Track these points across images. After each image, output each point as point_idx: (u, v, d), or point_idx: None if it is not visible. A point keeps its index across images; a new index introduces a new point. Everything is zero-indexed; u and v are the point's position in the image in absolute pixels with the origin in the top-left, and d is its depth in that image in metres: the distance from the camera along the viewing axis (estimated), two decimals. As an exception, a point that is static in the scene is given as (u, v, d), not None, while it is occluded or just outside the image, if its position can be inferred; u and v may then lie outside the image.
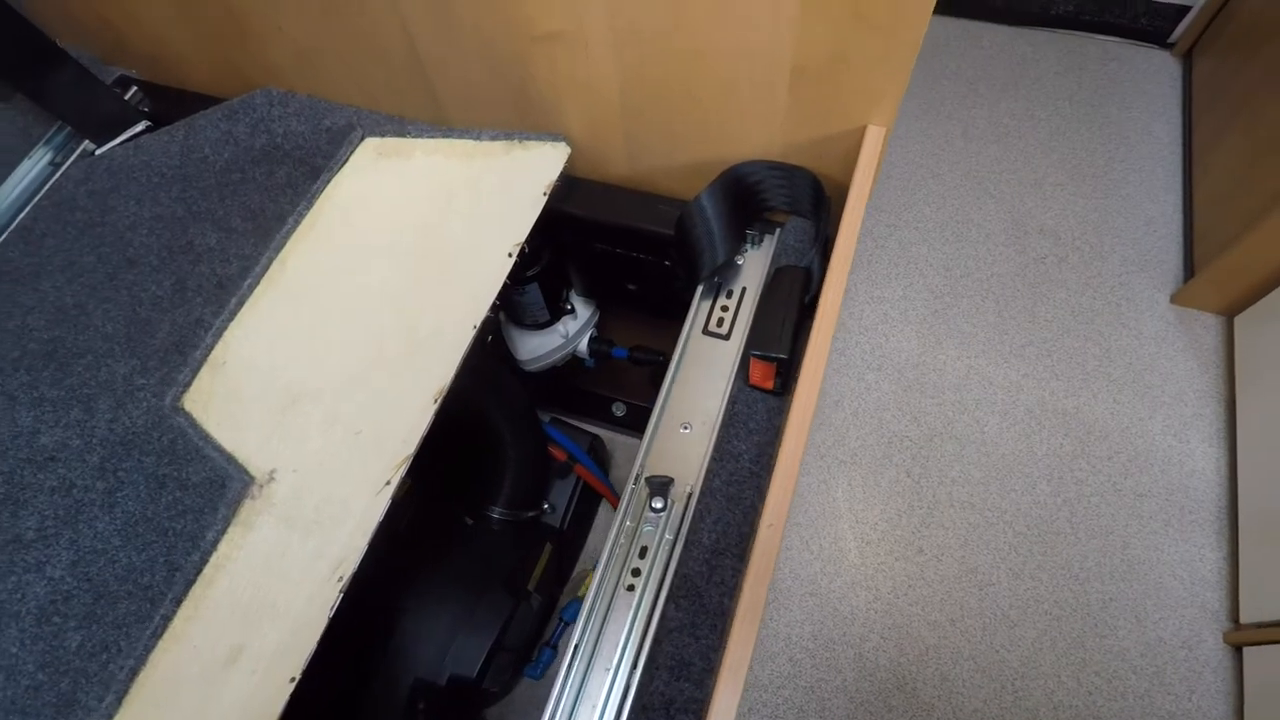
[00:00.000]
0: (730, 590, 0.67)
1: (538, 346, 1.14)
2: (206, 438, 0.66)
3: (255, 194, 0.92)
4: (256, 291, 0.71)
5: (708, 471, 0.74)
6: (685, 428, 0.77)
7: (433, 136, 0.81)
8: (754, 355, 0.73)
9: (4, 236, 0.95)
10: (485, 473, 1.16)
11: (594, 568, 0.70)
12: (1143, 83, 1.85)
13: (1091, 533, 1.40)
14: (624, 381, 1.50)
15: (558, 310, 1.11)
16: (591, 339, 1.19)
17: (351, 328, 0.74)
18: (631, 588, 0.70)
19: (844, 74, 0.71)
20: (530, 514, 1.20)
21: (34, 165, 1.00)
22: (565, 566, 1.32)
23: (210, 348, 0.69)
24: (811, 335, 0.70)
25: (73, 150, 1.02)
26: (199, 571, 0.62)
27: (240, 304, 0.70)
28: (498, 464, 1.16)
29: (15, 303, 0.89)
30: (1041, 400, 1.53)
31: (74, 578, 0.73)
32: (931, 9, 0.63)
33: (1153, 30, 1.89)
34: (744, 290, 0.84)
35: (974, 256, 1.69)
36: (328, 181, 0.76)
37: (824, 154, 0.81)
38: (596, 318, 1.18)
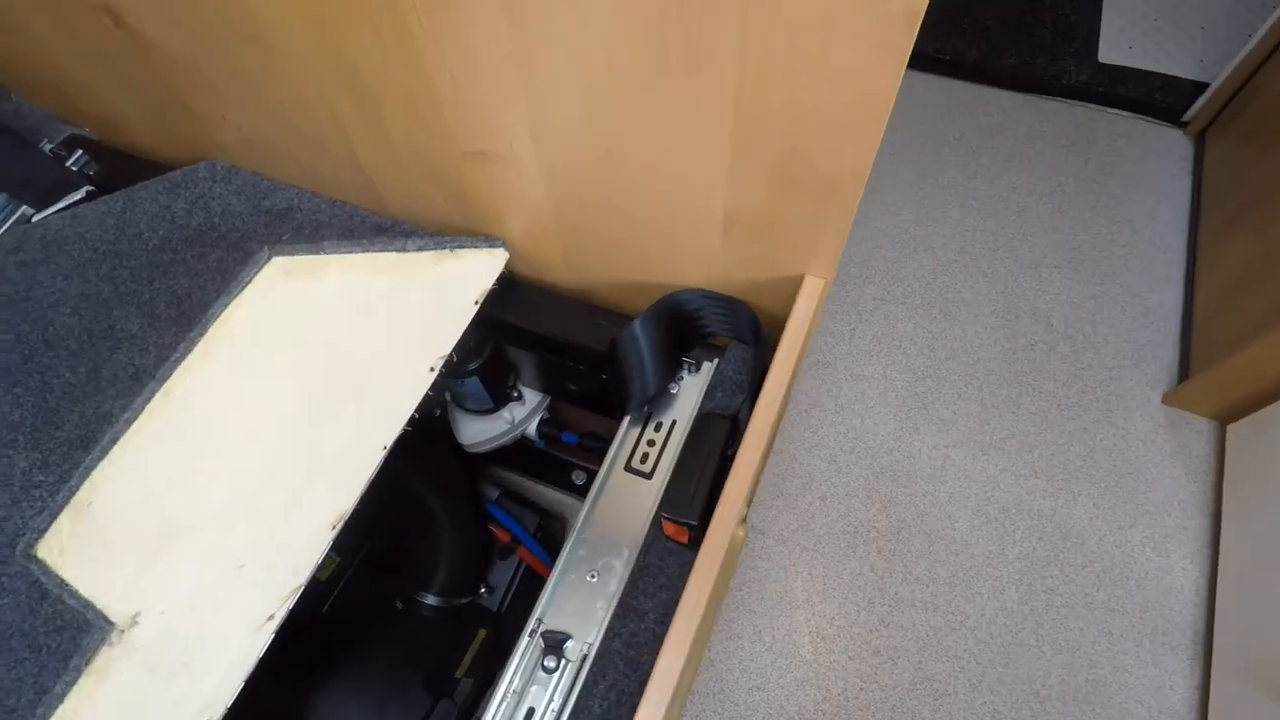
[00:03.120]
0: (617, 768, 0.63)
1: (482, 431, 1.10)
2: (63, 585, 0.63)
3: (184, 278, 0.89)
4: (135, 426, 0.68)
5: (608, 630, 0.70)
6: (592, 575, 0.73)
7: (351, 252, 0.77)
8: (664, 517, 0.68)
9: (-73, 305, 0.92)
10: (419, 557, 1.13)
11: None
12: (1152, 162, 1.78)
13: (1057, 648, 1.34)
14: (581, 453, 1.45)
15: (503, 397, 1.07)
16: (542, 422, 1.15)
17: (242, 456, 0.70)
18: (514, 757, 0.66)
19: (777, 229, 0.66)
20: (465, 599, 1.16)
21: (-31, 227, 0.98)
22: (505, 643, 1.27)
23: (75, 489, 0.66)
24: (721, 500, 0.66)
25: (10, 213, 0.99)
26: (46, 728, 0.59)
27: (113, 441, 0.67)
28: (433, 549, 1.13)
29: (-75, 380, 0.86)
30: (1018, 498, 1.47)
31: (-58, 697, 0.70)
32: (865, 179, 0.58)
33: (1166, 107, 1.81)
34: (674, 423, 0.80)
35: (961, 338, 1.63)
36: (225, 305, 0.73)
37: (763, 292, 0.76)
38: (547, 401, 1.14)
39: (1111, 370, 1.58)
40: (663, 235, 0.73)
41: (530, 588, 1.32)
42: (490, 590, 1.23)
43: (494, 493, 1.30)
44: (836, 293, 1.67)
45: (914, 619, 1.39)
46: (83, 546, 0.65)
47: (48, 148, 1.06)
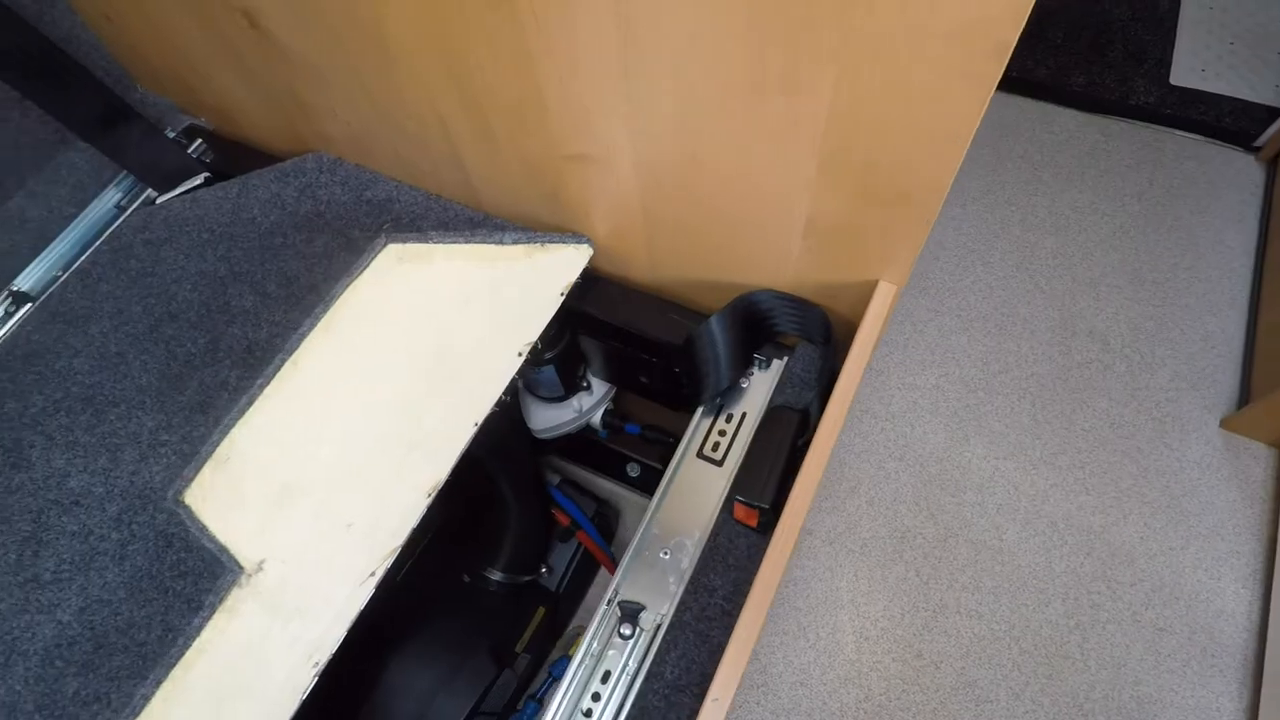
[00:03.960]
0: (684, 730, 0.68)
1: (551, 418, 1.17)
2: (204, 530, 0.70)
3: (293, 260, 0.97)
4: (267, 391, 0.75)
5: (680, 603, 0.75)
6: (665, 553, 0.78)
7: (454, 241, 0.84)
8: (738, 500, 0.73)
9: (66, 276, 1.02)
10: (487, 534, 1.19)
11: (555, 692, 0.72)
12: (1220, 186, 1.77)
13: (1103, 663, 1.35)
14: (640, 445, 1.51)
15: (573, 386, 1.13)
16: (606, 412, 1.21)
17: (354, 424, 0.77)
18: (589, 713, 0.72)
19: (855, 236, 0.71)
20: (528, 578, 1.23)
21: (102, 206, 1.08)
22: (559, 624, 1.34)
23: (216, 444, 0.73)
24: (795, 486, 0.71)
25: (137, 195, 1.09)
26: (181, 656, 0.66)
27: (250, 403, 0.74)
28: (500, 528, 1.19)
29: (65, 344, 0.95)
30: (1068, 513, 1.48)
31: (79, 624, 0.78)
32: (945, 194, 0.62)
33: (1237, 131, 1.80)
34: (744, 415, 0.84)
35: (1015, 352, 1.64)
36: (347, 285, 0.80)
37: (836, 295, 0.81)
38: (612, 393, 1.20)
39: (1168, 392, 1.58)
40: (743, 238, 0.78)
41: (587, 571, 1.38)
42: (550, 571, 1.29)
43: (555, 479, 1.37)
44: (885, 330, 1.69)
45: (958, 625, 1.41)
46: (221, 496, 0.72)
47: (170, 135, 1.16)
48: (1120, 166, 1.84)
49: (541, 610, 1.22)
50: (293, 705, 0.70)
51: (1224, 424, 1.53)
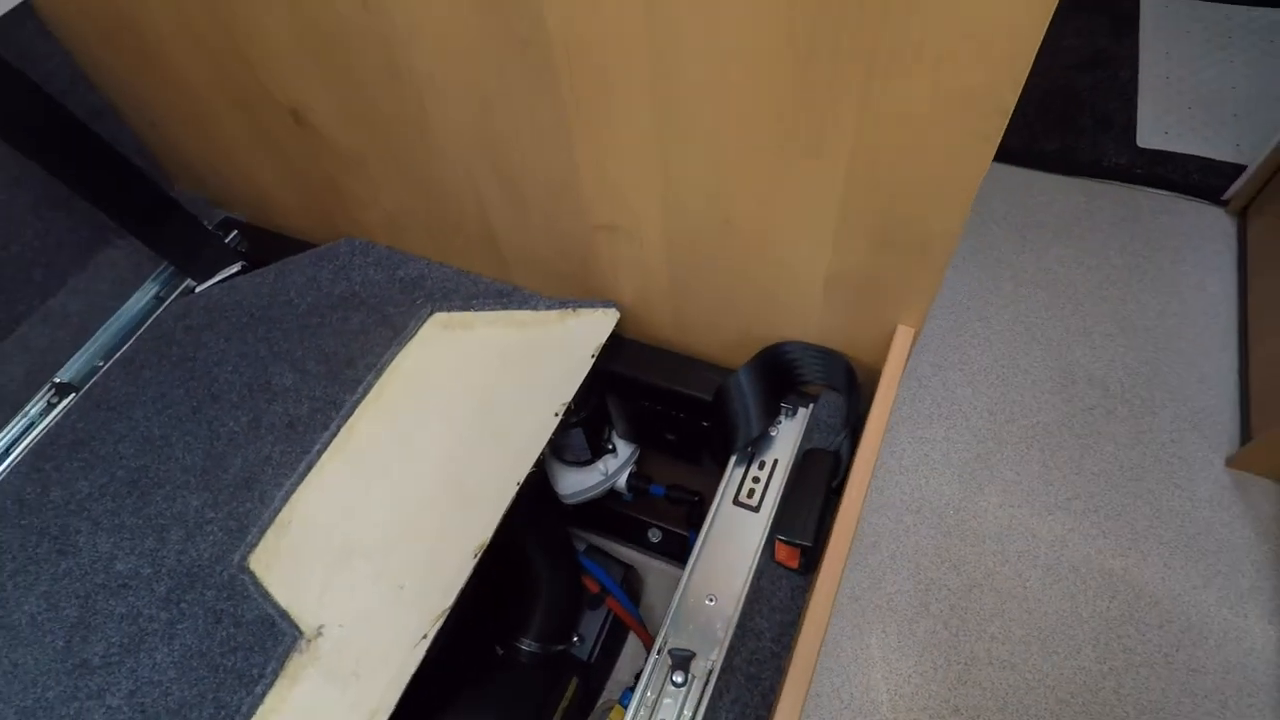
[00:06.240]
0: (744, 778, 0.68)
1: (578, 482, 1.19)
2: (266, 596, 0.72)
3: (330, 338, 1.01)
4: (325, 456, 0.78)
5: (729, 649, 0.76)
6: (710, 599, 0.80)
7: (494, 309, 0.88)
8: (779, 539, 0.76)
9: (109, 365, 1.05)
10: (518, 603, 1.19)
11: (626, 692, 0.72)
12: (1195, 238, 1.86)
13: (1141, 708, 1.34)
14: (661, 509, 1.52)
15: (599, 449, 1.16)
16: (631, 475, 1.23)
17: (405, 486, 0.80)
18: (649, 765, 0.72)
19: (875, 285, 0.76)
20: (560, 647, 1.22)
21: (142, 298, 1.13)
22: (590, 696, 1.32)
23: (277, 510, 0.75)
24: (835, 523, 0.73)
25: (176, 285, 1.14)
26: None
27: (309, 468, 0.77)
28: (531, 596, 1.19)
29: (109, 430, 0.98)
30: (1088, 557, 1.49)
31: (130, 708, 0.78)
32: (957, 240, 0.68)
33: (1205, 186, 1.91)
34: (775, 462, 0.88)
35: (1019, 402, 1.69)
36: (396, 353, 0.84)
37: (857, 341, 0.85)
38: (636, 455, 1.23)
39: (1171, 434, 1.62)
40: (769, 294, 0.84)
41: (616, 640, 1.37)
42: (581, 640, 1.29)
43: (580, 546, 1.38)
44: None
45: (991, 677, 1.40)
46: (283, 562, 0.74)
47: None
48: (1100, 223, 1.93)
49: (574, 681, 1.21)
50: (350, 773, 0.70)
51: (1230, 462, 1.56)
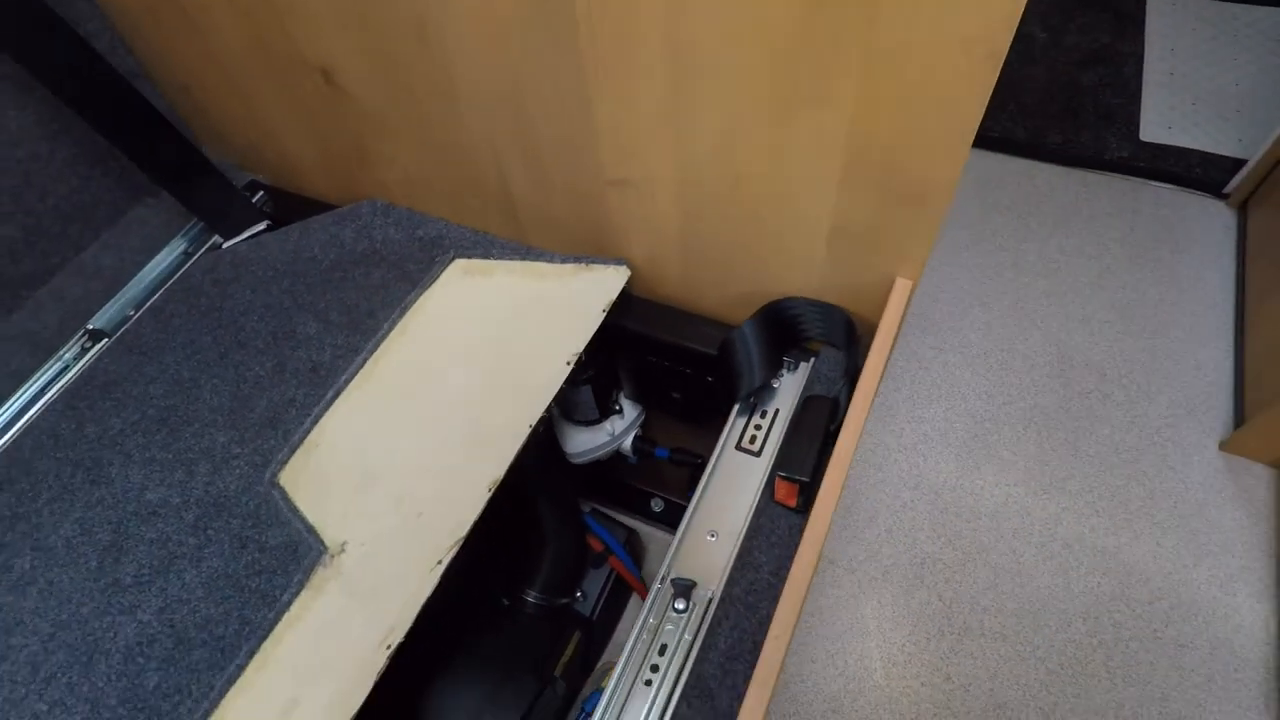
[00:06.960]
0: (740, 695, 0.72)
1: (586, 441, 1.23)
2: (295, 510, 0.76)
3: (352, 292, 1.05)
4: (351, 385, 0.82)
5: (729, 579, 0.80)
6: (712, 535, 0.84)
7: (512, 259, 0.93)
8: (780, 475, 0.80)
9: (139, 314, 1.10)
10: (525, 556, 1.23)
11: (618, 660, 0.76)
12: (1195, 230, 1.90)
13: (1129, 680, 1.37)
14: (664, 479, 1.56)
15: (607, 410, 1.20)
16: (636, 438, 1.27)
17: (426, 420, 0.84)
18: (649, 683, 0.76)
19: (876, 236, 0.80)
20: (564, 600, 1.26)
21: (171, 254, 1.17)
22: (591, 656, 1.36)
23: (307, 431, 0.79)
24: (831, 462, 0.77)
25: (204, 243, 1.19)
26: (273, 627, 0.71)
27: (336, 395, 0.81)
28: (538, 549, 1.23)
29: (141, 372, 1.02)
30: (1080, 535, 1.53)
31: (159, 623, 0.82)
32: (954, 189, 0.72)
33: (1207, 180, 1.94)
34: (776, 412, 0.92)
35: (1017, 385, 1.73)
36: (420, 293, 0.88)
37: (857, 296, 0.89)
38: (642, 418, 1.26)
39: (1167, 418, 1.65)
40: (774, 248, 0.88)
41: (618, 600, 1.41)
42: (584, 596, 1.33)
43: (585, 508, 1.42)
44: (897, 342, 1.78)
45: (984, 648, 1.43)
46: (310, 480, 0.78)
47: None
48: (1101, 214, 1.97)
49: (577, 635, 1.25)
50: (367, 685, 0.74)
51: (1223, 446, 1.59)
